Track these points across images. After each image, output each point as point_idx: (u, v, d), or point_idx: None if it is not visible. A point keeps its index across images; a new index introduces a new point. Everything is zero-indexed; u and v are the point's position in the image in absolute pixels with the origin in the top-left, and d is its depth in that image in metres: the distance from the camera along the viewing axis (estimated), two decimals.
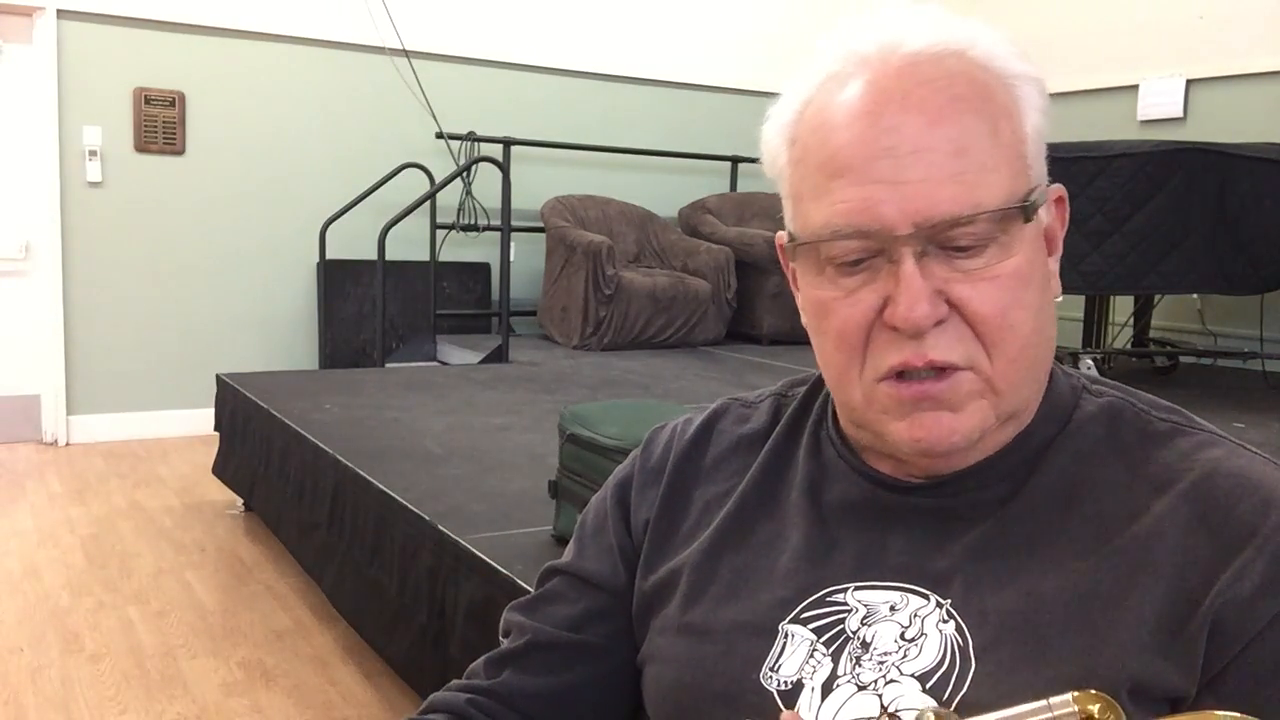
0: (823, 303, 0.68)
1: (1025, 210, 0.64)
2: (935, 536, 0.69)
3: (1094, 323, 4.27)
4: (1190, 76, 4.99)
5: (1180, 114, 5.03)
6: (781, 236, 0.73)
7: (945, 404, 0.66)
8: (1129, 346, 4.56)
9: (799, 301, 0.73)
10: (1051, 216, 0.70)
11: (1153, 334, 4.69)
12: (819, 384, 0.82)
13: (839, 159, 0.64)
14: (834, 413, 0.78)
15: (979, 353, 0.65)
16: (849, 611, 0.69)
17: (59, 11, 4.38)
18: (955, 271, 0.64)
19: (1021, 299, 0.65)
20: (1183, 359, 4.61)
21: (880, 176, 0.63)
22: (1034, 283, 0.66)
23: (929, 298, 0.63)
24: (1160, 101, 5.09)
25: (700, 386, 3.92)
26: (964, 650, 0.64)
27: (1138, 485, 0.66)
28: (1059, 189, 0.71)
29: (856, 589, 0.70)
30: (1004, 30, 0.68)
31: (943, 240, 0.63)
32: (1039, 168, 0.68)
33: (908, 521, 0.71)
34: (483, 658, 0.85)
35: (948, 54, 0.65)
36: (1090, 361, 3.88)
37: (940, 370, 0.65)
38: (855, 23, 0.68)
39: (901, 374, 0.66)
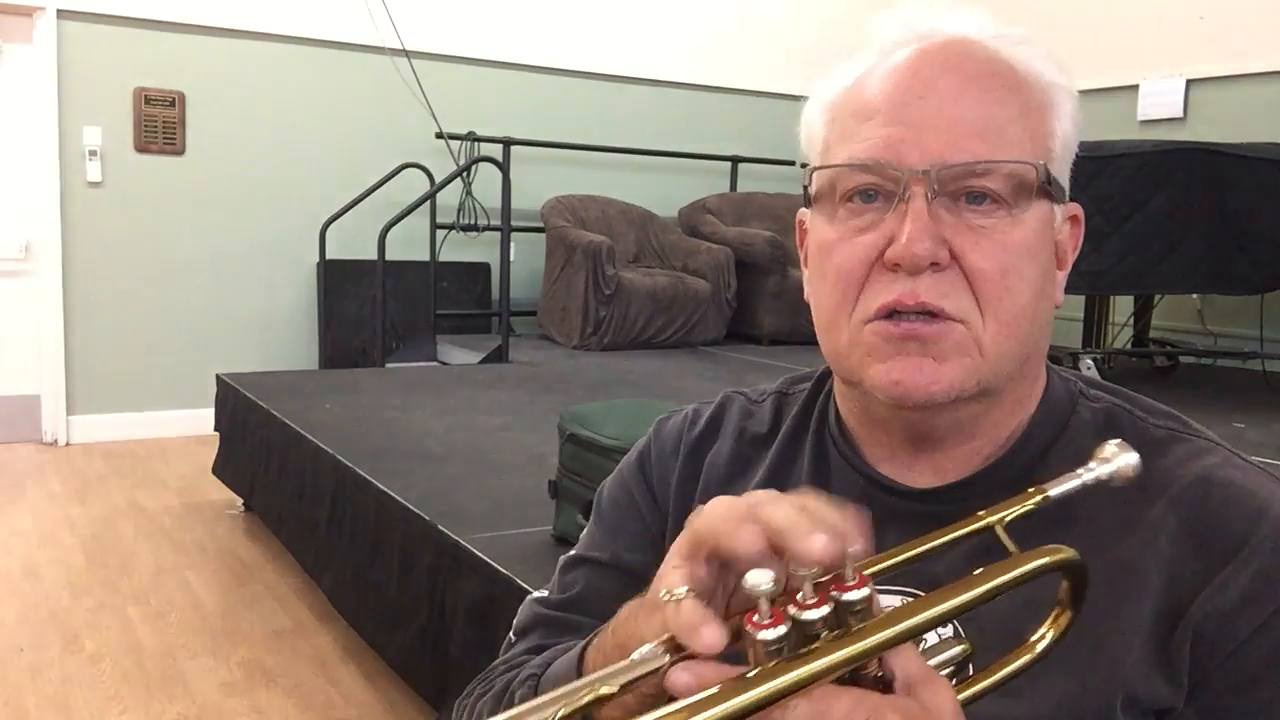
0: (829, 244, 0.68)
1: (1039, 171, 0.65)
2: None
3: (1094, 323, 4.26)
4: (1190, 76, 4.99)
5: (1180, 114, 5.03)
6: (804, 212, 0.74)
7: (930, 350, 0.65)
8: (1129, 346, 4.56)
9: (804, 269, 0.74)
10: (1065, 233, 0.71)
11: (1153, 334, 4.68)
12: (821, 381, 0.81)
13: (871, 105, 0.66)
14: (837, 412, 0.77)
15: (972, 308, 0.64)
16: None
17: (59, 11, 4.38)
18: (963, 224, 0.64)
19: (1023, 269, 0.65)
20: (1183, 359, 4.61)
21: (906, 119, 0.64)
22: (1037, 263, 0.66)
23: (932, 236, 0.63)
24: (1160, 101, 5.09)
25: (700, 386, 3.91)
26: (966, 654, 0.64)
27: (1132, 494, 0.66)
28: (1076, 207, 0.71)
29: None
30: (1047, 45, 0.71)
31: (956, 189, 0.64)
32: (1061, 171, 0.68)
33: (907, 526, 0.70)
34: (528, 649, 0.80)
35: (989, 46, 0.68)
36: (1090, 361, 3.88)
37: (931, 317, 0.65)
38: (908, 12, 0.70)
39: (891, 315, 0.65)
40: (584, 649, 0.64)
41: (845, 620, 0.48)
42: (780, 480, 0.77)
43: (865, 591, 0.48)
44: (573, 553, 0.85)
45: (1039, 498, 0.56)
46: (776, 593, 0.48)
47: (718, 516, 0.52)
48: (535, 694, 0.66)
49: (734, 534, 0.50)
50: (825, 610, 0.48)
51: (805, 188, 0.71)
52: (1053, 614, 0.56)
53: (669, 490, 0.81)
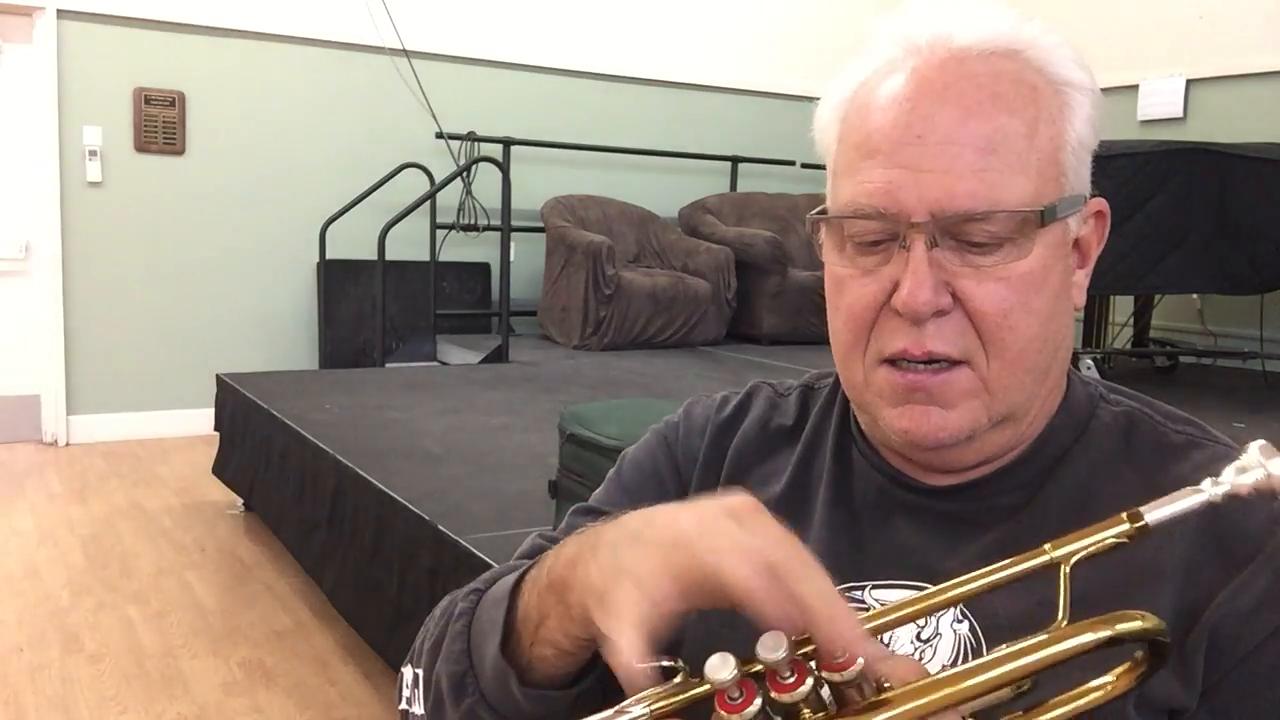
0: (839, 279, 0.69)
1: (1043, 215, 0.64)
2: (949, 539, 0.70)
3: (1094, 323, 4.27)
4: (1190, 76, 4.99)
5: (1180, 114, 5.03)
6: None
7: (938, 399, 0.66)
8: (1129, 346, 4.56)
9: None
10: (1088, 230, 0.70)
11: (1153, 334, 4.69)
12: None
13: (872, 140, 0.65)
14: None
15: (977, 350, 0.65)
16: (865, 610, 0.69)
17: (59, 11, 4.38)
18: (965, 266, 0.64)
19: (1028, 303, 0.65)
20: (1183, 359, 4.61)
21: (905, 162, 0.64)
22: (1046, 289, 0.66)
23: (932, 286, 0.63)
24: (1160, 101, 5.09)
25: (700, 386, 3.91)
26: (978, 652, 0.65)
27: (1151, 497, 0.66)
28: (1100, 203, 0.71)
29: (873, 588, 0.70)
30: (1065, 36, 0.68)
31: (957, 233, 0.63)
32: (1077, 177, 0.67)
33: (924, 523, 0.71)
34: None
35: (999, 53, 0.65)
36: (1090, 361, 3.88)
37: (937, 363, 0.65)
38: (915, 9, 0.68)
39: (899, 361, 0.66)
40: (520, 579, 0.65)
41: (843, 695, 0.45)
42: (805, 472, 0.78)
43: (855, 670, 0.46)
44: (586, 503, 0.85)
45: (1127, 526, 0.50)
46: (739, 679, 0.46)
47: (741, 561, 0.50)
48: (476, 607, 0.67)
49: (758, 594, 0.49)
50: (805, 689, 0.45)
51: (818, 223, 0.71)
52: (1123, 667, 0.52)
53: (694, 468, 0.81)
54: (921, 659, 0.66)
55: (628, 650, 0.49)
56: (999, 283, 0.64)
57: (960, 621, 0.66)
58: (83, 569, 3.01)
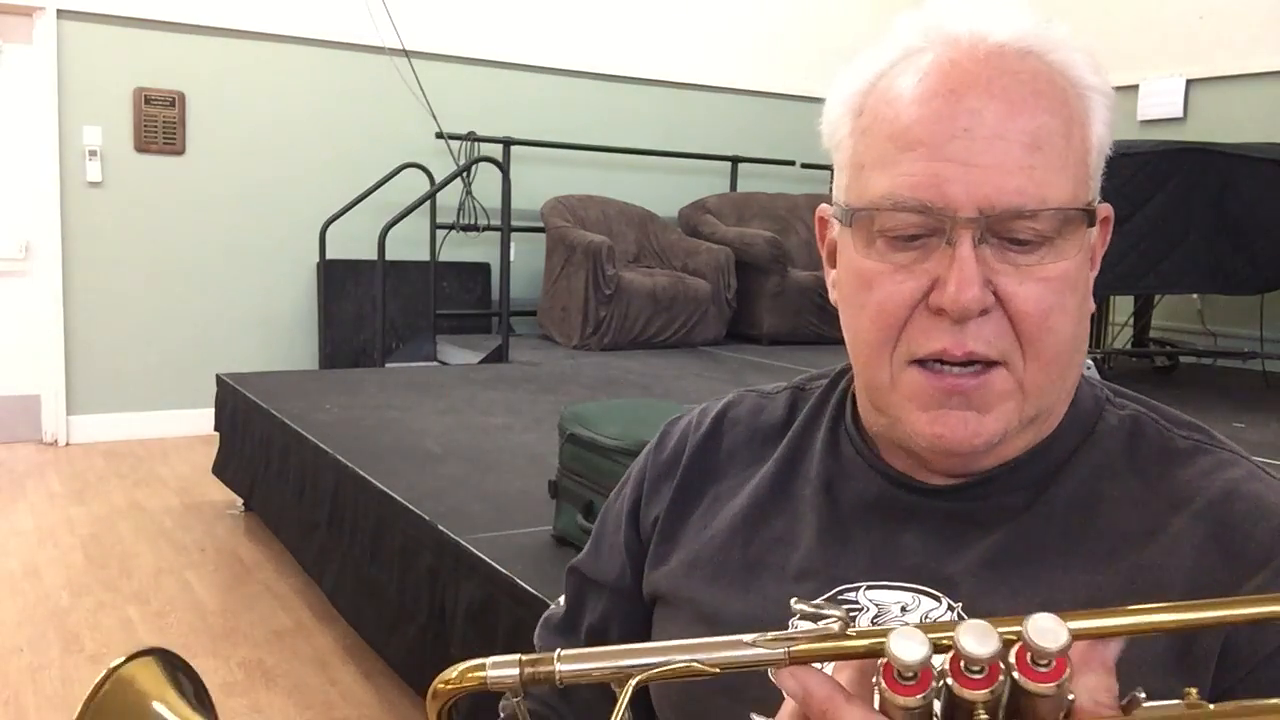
0: (867, 275, 0.66)
1: (1088, 215, 0.64)
2: (951, 540, 0.69)
3: (1094, 323, 4.26)
4: (1190, 76, 4.99)
5: (1180, 114, 5.03)
6: (825, 209, 0.72)
7: (975, 404, 0.65)
8: (1129, 346, 4.56)
9: (832, 277, 0.72)
10: (1096, 234, 0.70)
11: (1153, 334, 4.69)
12: (838, 378, 0.81)
13: (913, 132, 0.64)
14: (854, 408, 0.77)
15: (1015, 350, 0.64)
16: (860, 611, 0.68)
17: (59, 11, 4.38)
18: (1007, 264, 0.63)
19: (1065, 304, 0.64)
20: (1183, 359, 4.61)
21: (953, 156, 0.62)
22: (1078, 291, 0.66)
23: (980, 284, 0.62)
24: (1160, 101, 5.09)
25: (700, 386, 3.91)
26: None
27: (1155, 502, 0.66)
28: (1107, 208, 0.71)
29: (868, 588, 0.69)
30: (1085, 40, 0.68)
31: (1002, 231, 0.62)
32: (1097, 181, 0.68)
33: (923, 523, 0.70)
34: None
35: (1033, 52, 0.65)
36: (1090, 361, 3.88)
37: (974, 365, 0.64)
38: (943, 4, 0.67)
39: (933, 362, 0.65)
40: None
41: (1030, 709, 0.41)
42: (788, 472, 0.77)
43: (1055, 686, 0.41)
44: (577, 563, 0.88)
45: None
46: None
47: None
48: None
49: None
50: (992, 690, 0.40)
51: (834, 196, 0.70)
52: None
53: (659, 509, 0.81)
54: None
55: None
56: (1040, 283, 0.63)
57: (937, 603, 0.66)
58: (83, 569, 3.01)
